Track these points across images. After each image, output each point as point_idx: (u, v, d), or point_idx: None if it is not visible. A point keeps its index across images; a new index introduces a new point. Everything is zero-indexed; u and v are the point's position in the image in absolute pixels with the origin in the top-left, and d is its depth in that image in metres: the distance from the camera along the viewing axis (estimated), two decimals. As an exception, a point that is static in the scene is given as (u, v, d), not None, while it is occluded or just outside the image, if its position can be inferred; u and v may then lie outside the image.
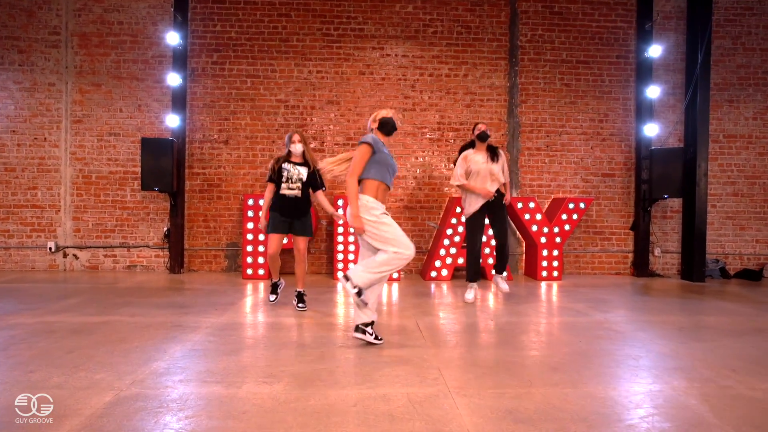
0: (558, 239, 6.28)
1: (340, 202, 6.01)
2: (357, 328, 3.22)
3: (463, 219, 5.06)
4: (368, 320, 3.21)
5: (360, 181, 3.24)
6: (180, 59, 6.43)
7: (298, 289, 4.40)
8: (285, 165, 4.36)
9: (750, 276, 6.62)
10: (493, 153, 4.75)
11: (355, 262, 5.66)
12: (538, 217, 6.25)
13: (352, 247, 5.94)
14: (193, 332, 3.50)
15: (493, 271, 4.94)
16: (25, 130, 6.53)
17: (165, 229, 6.57)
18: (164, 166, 6.07)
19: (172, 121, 6.34)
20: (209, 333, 3.50)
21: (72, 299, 4.64)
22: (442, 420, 2.11)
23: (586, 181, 6.86)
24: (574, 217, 6.32)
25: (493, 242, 5.00)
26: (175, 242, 6.45)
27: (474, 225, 4.72)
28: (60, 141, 6.56)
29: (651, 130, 6.60)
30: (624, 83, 6.86)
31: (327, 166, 3.41)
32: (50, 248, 6.51)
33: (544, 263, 6.28)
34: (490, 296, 5.15)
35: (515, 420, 2.11)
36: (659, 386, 2.54)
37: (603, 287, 5.80)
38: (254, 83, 6.64)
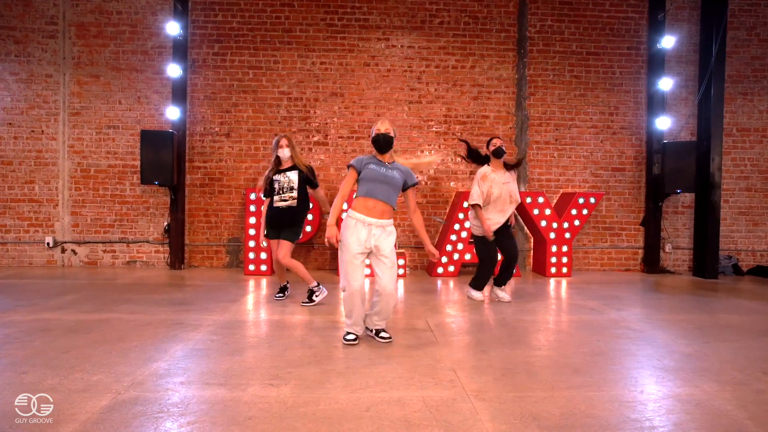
0: (567, 235, 6.13)
1: (344, 206, 5.85)
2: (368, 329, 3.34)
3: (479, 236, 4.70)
4: (349, 331, 3.23)
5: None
6: (180, 50, 6.27)
7: (310, 286, 4.32)
8: (275, 177, 4.32)
9: (764, 273, 6.46)
10: (509, 169, 4.57)
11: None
12: (547, 212, 6.10)
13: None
14: (194, 331, 3.36)
15: (494, 285, 4.70)
16: (22, 123, 6.38)
17: (165, 223, 6.42)
18: (164, 160, 5.91)
19: (173, 113, 6.18)
20: (211, 331, 3.36)
21: (69, 296, 4.49)
22: (462, 426, 1.97)
23: (595, 176, 6.70)
24: (584, 212, 6.17)
25: (502, 257, 4.73)
26: (175, 237, 6.31)
27: (489, 244, 4.48)
28: (58, 134, 6.40)
29: (663, 123, 6.44)
30: (635, 75, 6.69)
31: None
32: (48, 243, 6.37)
33: (553, 259, 6.13)
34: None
35: (541, 427, 1.97)
36: (688, 389, 2.40)
37: (614, 284, 5.66)
38: (256, 75, 6.47)
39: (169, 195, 6.28)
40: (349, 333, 3.18)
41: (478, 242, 4.57)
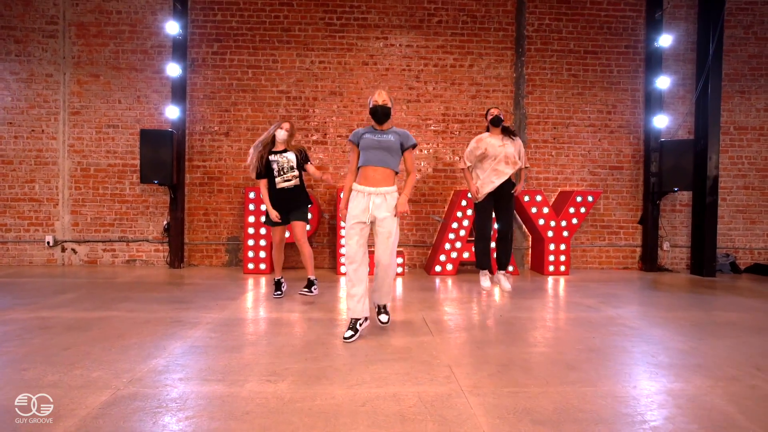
0: (565, 233, 6.15)
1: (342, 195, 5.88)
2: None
3: (474, 202, 4.91)
4: (351, 326, 3.25)
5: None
6: (180, 49, 6.29)
7: (309, 277, 4.34)
8: (272, 157, 4.28)
9: (761, 270, 6.49)
10: (508, 135, 4.69)
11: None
12: (545, 210, 6.12)
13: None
14: (193, 328, 3.39)
15: (497, 269, 4.85)
16: (22, 122, 6.40)
17: (165, 222, 6.45)
18: (164, 159, 5.94)
19: (172, 112, 6.21)
20: (210, 329, 3.39)
21: (69, 294, 4.52)
22: (456, 421, 2.00)
23: (593, 174, 6.72)
24: (582, 210, 6.19)
25: (496, 228, 4.89)
26: (174, 236, 6.33)
27: (484, 211, 4.66)
28: (58, 133, 6.43)
29: (660, 121, 6.45)
30: (633, 74, 6.70)
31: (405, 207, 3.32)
32: (48, 242, 6.40)
33: (551, 258, 6.15)
34: (497, 291, 5.03)
35: (534, 421, 2.00)
36: (681, 385, 2.43)
37: (612, 282, 5.68)
38: (255, 74, 6.49)
39: (169, 194, 6.31)
40: (348, 330, 3.20)
41: (474, 212, 4.85)
